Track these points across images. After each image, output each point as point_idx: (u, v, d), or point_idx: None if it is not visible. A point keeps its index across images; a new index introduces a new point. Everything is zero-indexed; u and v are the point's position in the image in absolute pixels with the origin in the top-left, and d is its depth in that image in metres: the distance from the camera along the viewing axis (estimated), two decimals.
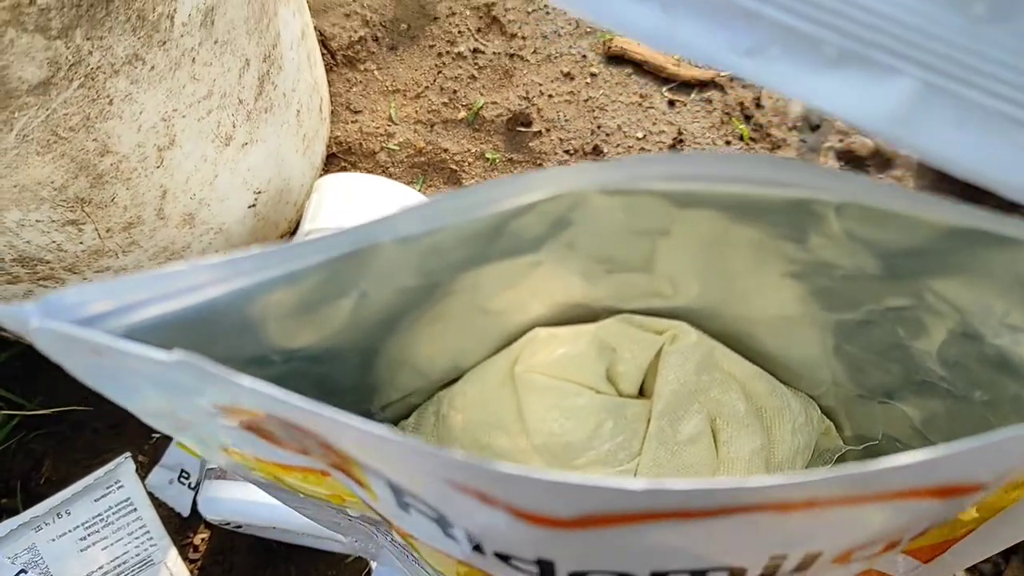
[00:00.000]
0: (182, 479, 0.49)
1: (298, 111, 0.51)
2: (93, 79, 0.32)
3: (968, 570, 0.48)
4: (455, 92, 0.66)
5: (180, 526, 0.48)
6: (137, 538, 0.44)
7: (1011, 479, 0.19)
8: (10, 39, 0.28)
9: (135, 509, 0.45)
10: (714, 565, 0.19)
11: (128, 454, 0.45)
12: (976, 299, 0.20)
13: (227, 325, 0.20)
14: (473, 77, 0.66)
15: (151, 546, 0.44)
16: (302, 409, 0.16)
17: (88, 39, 0.30)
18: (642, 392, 0.28)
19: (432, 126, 0.64)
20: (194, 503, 0.48)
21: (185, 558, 0.46)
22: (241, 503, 0.39)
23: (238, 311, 0.19)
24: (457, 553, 0.22)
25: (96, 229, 0.40)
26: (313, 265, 0.19)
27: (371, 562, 0.46)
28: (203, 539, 0.48)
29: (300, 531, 0.39)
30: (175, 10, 0.33)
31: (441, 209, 0.18)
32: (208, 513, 0.41)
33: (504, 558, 0.19)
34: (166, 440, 0.51)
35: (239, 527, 0.44)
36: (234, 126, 0.42)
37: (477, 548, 0.20)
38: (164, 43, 0.34)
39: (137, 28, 0.32)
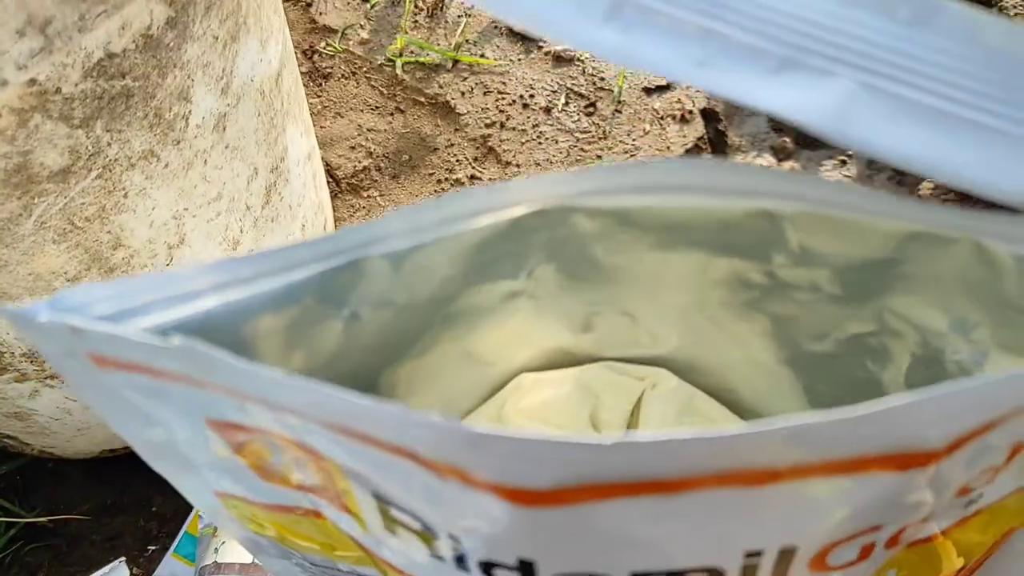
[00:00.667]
0: None
1: (303, 226, 0.53)
2: (110, 171, 0.34)
3: None
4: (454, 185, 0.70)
5: None
6: None
7: (969, 485, 0.20)
8: (35, 124, 0.30)
9: None
10: (691, 566, 0.19)
11: (124, 558, 0.45)
12: (931, 312, 0.21)
13: (223, 343, 0.21)
14: None
15: None
16: (291, 387, 0.17)
17: (108, 131, 0.33)
18: None
19: None
20: None
21: None
22: None
23: (233, 327, 0.21)
24: None
25: None
26: (306, 278, 0.20)
27: None
28: None
29: None
30: (190, 112, 0.36)
31: (424, 218, 0.19)
32: None
33: (487, 569, 0.20)
34: (161, 552, 0.51)
35: None
36: (241, 231, 0.44)
37: (462, 563, 0.20)
38: (179, 142, 0.36)
39: (154, 125, 0.35)
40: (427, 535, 0.20)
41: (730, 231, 0.21)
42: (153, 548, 0.51)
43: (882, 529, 0.19)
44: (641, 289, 0.24)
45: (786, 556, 0.19)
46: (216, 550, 0.41)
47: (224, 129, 0.38)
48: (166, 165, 0.36)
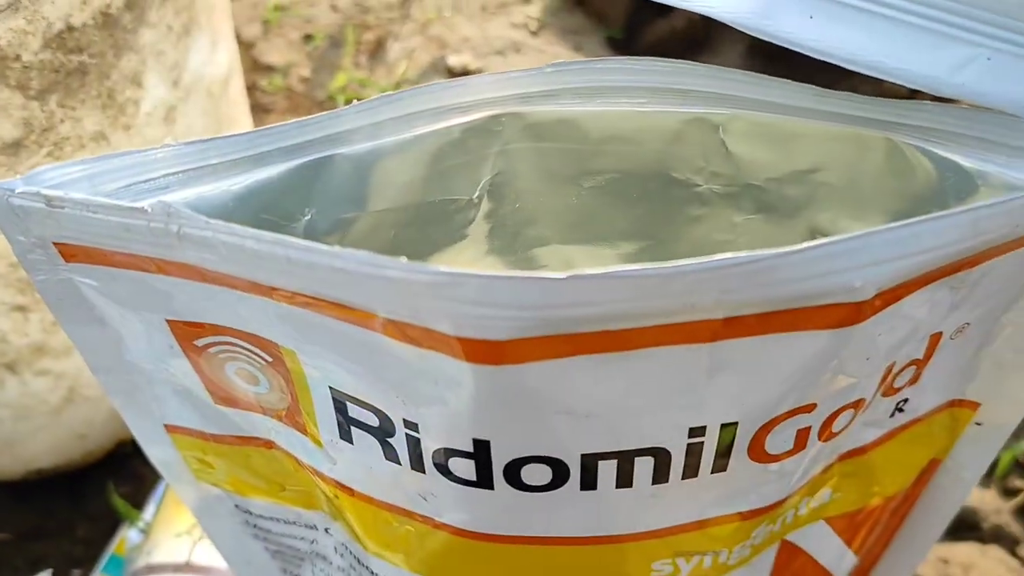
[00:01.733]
0: None
1: None
2: (61, 149, 0.35)
3: None
4: None
5: None
6: None
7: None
8: None
9: None
10: (638, 446, 0.20)
11: (51, 570, 0.43)
12: (855, 225, 0.23)
13: None
14: None
15: None
16: (262, 244, 0.17)
17: (62, 106, 0.34)
18: None
19: None
20: None
21: None
22: None
23: None
24: (399, 493, 0.22)
25: (43, 320, 0.41)
26: (270, 177, 0.21)
27: None
28: None
29: None
30: (141, 98, 0.37)
31: (385, 114, 0.21)
32: None
33: (444, 461, 0.20)
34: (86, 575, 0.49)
35: None
36: None
37: (417, 461, 0.21)
38: (128, 128, 0.37)
39: (107, 106, 0.35)
40: (384, 431, 0.21)
41: (666, 141, 0.22)
42: (77, 572, 0.49)
43: (815, 410, 0.20)
44: (578, 223, 0.25)
45: (727, 434, 0.20)
46: (149, 552, 0.40)
47: (173, 122, 0.39)
48: (114, 150, 0.37)
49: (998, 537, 0.53)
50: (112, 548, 0.48)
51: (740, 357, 0.18)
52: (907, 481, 0.26)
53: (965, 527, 0.54)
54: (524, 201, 0.24)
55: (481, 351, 0.17)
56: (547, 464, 0.20)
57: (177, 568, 0.38)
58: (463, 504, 0.21)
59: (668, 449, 0.20)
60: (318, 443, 0.23)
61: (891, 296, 0.18)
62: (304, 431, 0.23)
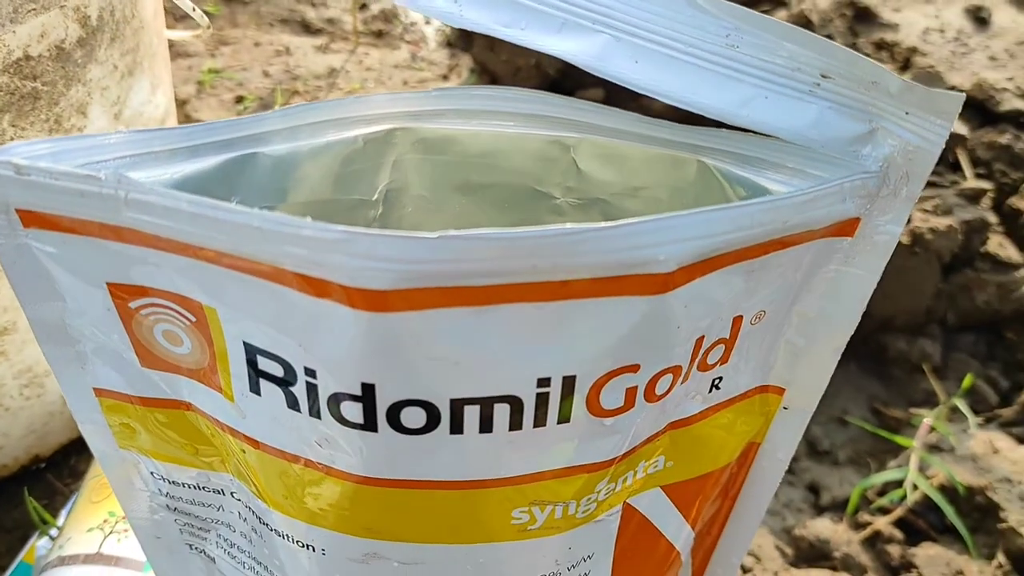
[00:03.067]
0: None
1: None
2: None
3: None
4: None
5: None
6: None
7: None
8: None
9: None
10: (496, 393, 0.24)
11: None
12: None
13: None
14: None
15: None
16: (193, 208, 0.22)
17: (13, 126, 0.37)
18: None
19: None
20: None
21: None
22: None
23: None
24: (297, 442, 0.26)
25: None
26: (205, 168, 0.25)
27: None
28: None
29: None
30: (85, 127, 0.41)
31: (302, 119, 0.25)
32: None
33: (336, 406, 0.24)
34: None
35: None
36: None
37: (314, 406, 0.25)
38: None
39: (53, 130, 0.39)
40: (287, 381, 0.25)
41: (529, 156, 0.28)
42: None
43: (639, 371, 0.25)
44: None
45: (568, 386, 0.25)
46: (61, 547, 0.42)
47: None
48: None
49: (848, 566, 0.58)
50: (22, 556, 0.49)
51: (576, 316, 0.23)
52: (731, 456, 0.31)
53: (819, 556, 0.59)
54: (415, 207, 0.29)
55: (368, 299, 0.22)
56: (422, 407, 0.24)
57: (88, 559, 0.40)
58: (353, 447, 0.25)
59: (521, 398, 0.24)
60: (230, 398, 0.27)
61: (691, 272, 0.23)
62: (219, 389, 0.27)
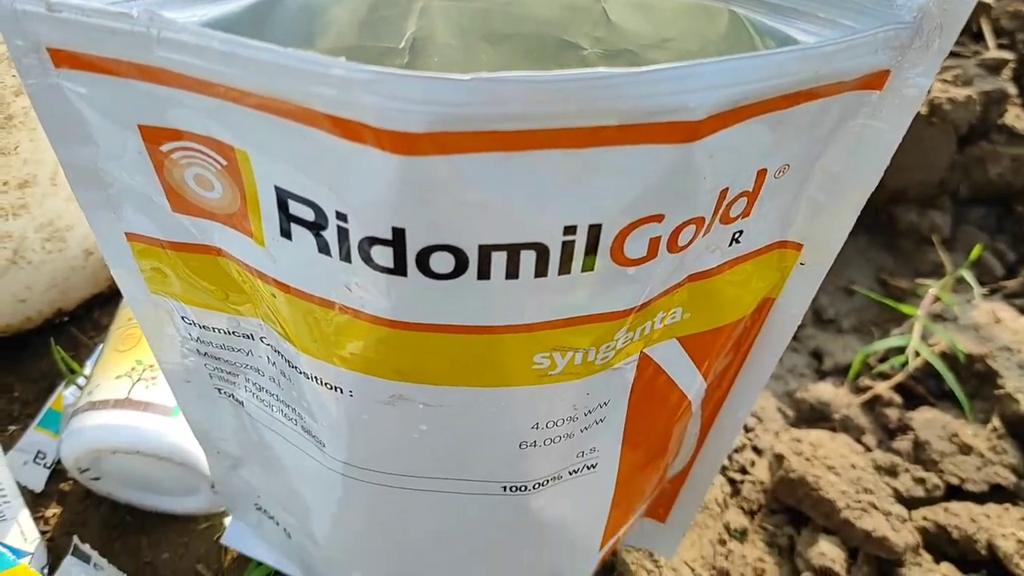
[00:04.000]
0: (37, 460, 0.50)
1: None
2: None
3: (767, 544, 0.54)
4: None
5: (32, 503, 0.49)
6: None
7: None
8: None
9: None
10: (523, 240, 0.25)
11: None
12: None
13: None
14: None
15: (3, 503, 0.45)
16: (225, 46, 0.22)
17: None
18: None
19: None
20: (48, 479, 0.50)
21: (36, 528, 0.47)
22: (106, 428, 0.41)
23: None
24: (327, 285, 0.27)
25: None
26: (233, 11, 0.25)
27: (225, 520, 0.48)
28: (54, 513, 0.48)
29: (163, 456, 0.42)
30: None
31: None
32: (73, 451, 0.42)
33: (367, 249, 0.25)
34: (22, 431, 0.52)
35: (97, 479, 0.45)
36: None
37: (345, 252, 0.25)
38: None
39: None
40: (318, 225, 0.25)
41: (559, 5, 0.27)
42: (14, 428, 0.52)
43: (663, 221, 0.26)
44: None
45: (593, 235, 0.25)
46: (90, 392, 0.43)
47: None
48: None
49: (847, 427, 0.60)
50: (50, 403, 0.51)
51: (604, 164, 0.23)
52: (746, 310, 0.32)
53: (820, 417, 0.61)
54: (441, 56, 0.29)
55: (398, 142, 0.22)
56: (451, 253, 0.25)
57: (117, 403, 0.42)
58: (382, 292, 0.26)
59: (547, 245, 0.25)
60: (261, 243, 0.27)
61: (719, 121, 0.23)
62: (250, 233, 0.27)
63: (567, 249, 0.25)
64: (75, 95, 0.25)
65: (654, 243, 0.26)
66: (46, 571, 0.45)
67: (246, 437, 0.38)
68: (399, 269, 0.25)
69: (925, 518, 0.55)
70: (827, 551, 0.52)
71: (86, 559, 0.44)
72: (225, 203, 0.27)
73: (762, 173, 0.27)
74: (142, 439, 0.41)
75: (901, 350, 0.65)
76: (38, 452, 0.50)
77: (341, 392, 0.30)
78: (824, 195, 0.29)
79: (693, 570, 0.50)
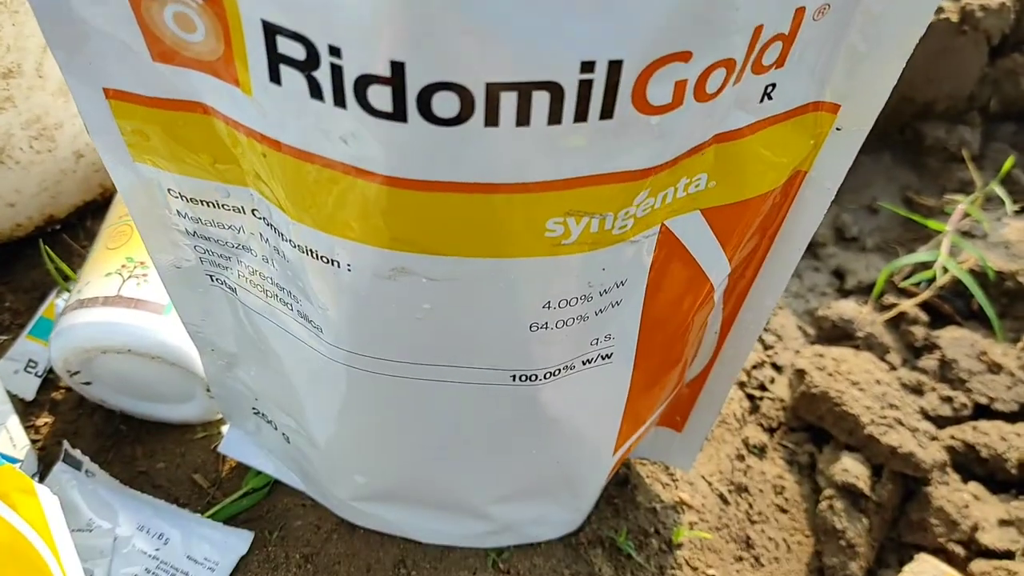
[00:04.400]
0: (28, 368, 0.48)
1: None
2: None
3: (787, 461, 0.52)
4: None
5: (23, 412, 0.47)
6: None
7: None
8: None
9: None
10: (535, 78, 0.22)
11: None
12: None
13: None
14: None
15: None
16: None
17: None
18: None
19: None
20: (40, 388, 0.48)
21: (26, 436, 0.45)
22: (96, 325, 0.39)
23: None
24: (322, 139, 0.24)
25: None
26: None
27: (223, 428, 0.46)
28: (46, 423, 0.47)
29: (155, 355, 0.40)
30: None
31: None
32: (63, 350, 0.41)
33: (363, 91, 0.23)
34: (13, 341, 0.50)
35: (88, 383, 0.43)
36: None
37: (339, 95, 0.23)
38: None
39: None
40: (309, 64, 0.23)
41: None
42: (4, 338, 0.50)
43: (691, 60, 0.23)
44: None
45: (614, 73, 0.23)
46: (80, 291, 0.41)
47: None
48: None
49: (870, 345, 0.58)
50: (41, 311, 0.49)
51: None
52: (776, 182, 0.30)
53: (842, 335, 0.59)
54: None
55: None
56: (455, 92, 0.22)
57: (107, 300, 0.40)
58: (380, 142, 0.24)
59: (562, 84, 0.22)
60: (248, 91, 0.25)
61: None
62: (236, 82, 0.25)
63: (584, 90, 0.23)
64: None
65: (680, 87, 0.24)
66: (36, 478, 0.43)
67: (241, 330, 0.36)
68: (398, 113, 0.23)
69: (953, 436, 0.53)
70: (850, 467, 0.50)
71: (77, 465, 0.42)
72: (208, 47, 0.25)
73: (800, 12, 0.24)
74: (132, 336, 0.39)
75: (928, 266, 0.63)
76: (29, 361, 0.48)
77: (338, 266, 0.28)
78: (865, 42, 0.26)
79: (710, 484, 0.48)
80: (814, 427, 0.54)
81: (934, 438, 0.52)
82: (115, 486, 0.43)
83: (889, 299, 0.62)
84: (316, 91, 0.23)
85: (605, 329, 0.32)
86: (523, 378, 0.32)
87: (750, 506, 0.48)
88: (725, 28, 0.23)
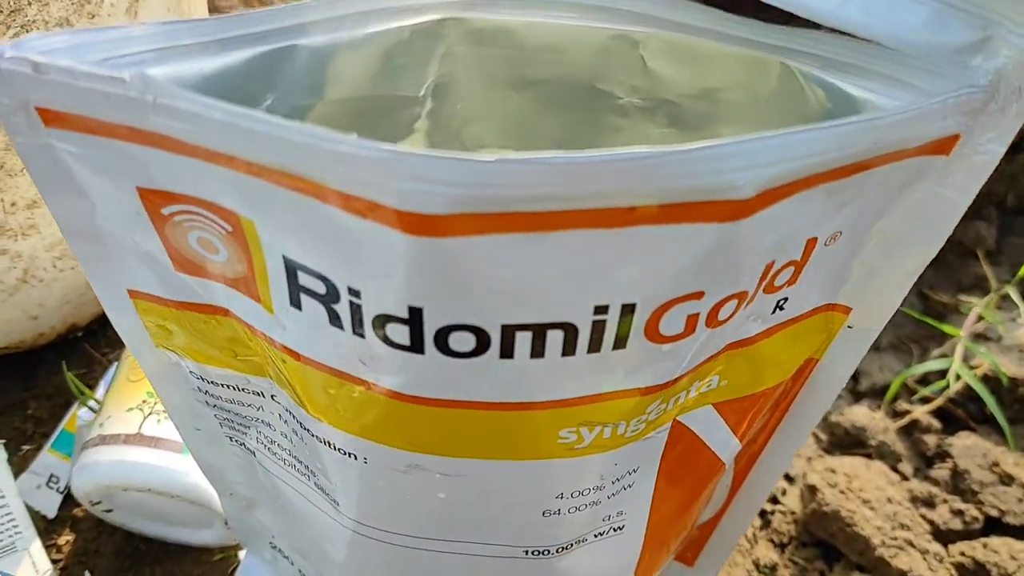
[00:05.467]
0: (50, 484, 0.49)
1: None
2: (27, 31, 0.36)
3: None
4: None
5: (45, 529, 0.48)
6: (2, 524, 0.44)
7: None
8: None
9: (3, 496, 0.44)
10: (550, 320, 0.23)
11: (2, 441, 0.45)
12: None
13: None
14: None
15: (16, 534, 0.44)
16: (225, 115, 0.20)
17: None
18: None
19: None
20: (61, 504, 0.48)
21: (48, 559, 0.45)
22: (118, 464, 0.40)
23: None
24: (340, 357, 0.25)
25: (1, 201, 0.42)
26: (239, 61, 0.23)
27: (239, 554, 0.47)
28: (67, 540, 0.47)
29: (175, 495, 0.40)
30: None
31: (343, 9, 0.23)
32: (84, 484, 0.41)
33: (382, 327, 0.23)
34: (36, 452, 0.51)
35: (109, 511, 0.44)
36: None
37: (358, 325, 0.23)
38: (93, 17, 0.38)
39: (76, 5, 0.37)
40: (329, 298, 0.23)
41: (593, 53, 0.25)
42: (28, 447, 0.51)
43: (703, 298, 0.23)
44: (515, 126, 0.28)
45: (627, 314, 0.23)
46: (101, 424, 0.42)
47: (135, 15, 0.40)
48: None
49: (883, 454, 0.58)
50: (63, 424, 0.50)
51: (642, 244, 0.21)
52: (787, 374, 0.30)
53: (854, 443, 0.59)
54: (465, 103, 0.27)
55: (419, 224, 0.20)
56: (471, 332, 0.23)
57: (128, 439, 0.40)
58: (397, 368, 0.24)
59: (576, 325, 0.23)
60: (270, 310, 0.25)
61: (770, 197, 0.21)
62: (258, 299, 0.25)
63: (597, 329, 0.23)
64: (68, 155, 0.23)
65: (692, 320, 0.24)
66: None
67: (259, 484, 0.37)
68: (416, 347, 0.23)
69: (963, 553, 0.53)
70: None
71: None
72: (231, 267, 0.25)
73: (812, 242, 0.25)
74: (154, 477, 0.40)
75: (942, 373, 0.63)
76: (51, 476, 0.49)
77: (355, 458, 0.29)
78: (880, 257, 0.26)
79: None
80: (825, 543, 0.54)
81: (944, 558, 0.52)
82: None
83: (902, 404, 0.62)
84: (335, 320, 0.24)
85: (618, 507, 0.32)
86: (536, 553, 0.33)
87: None
88: (737, 269, 0.23)
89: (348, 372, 0.25)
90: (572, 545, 0.33)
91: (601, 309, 0.23)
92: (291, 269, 0.23)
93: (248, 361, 0.29)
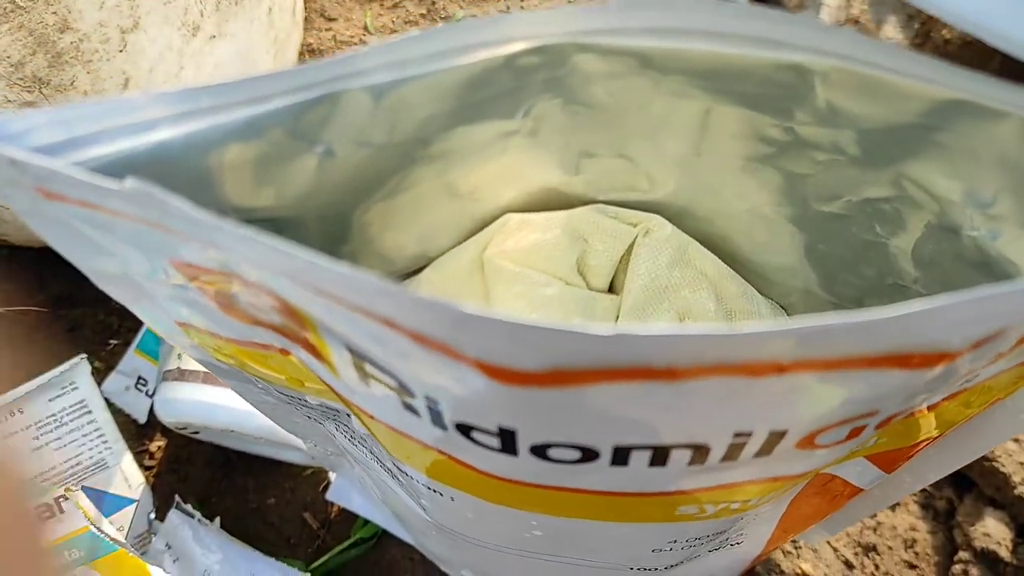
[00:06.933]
0: (139, 386, 0.48)
1: (270, 8, 0.49)
2: None
3: (922, 507, 0.48)
4: (434, 3, 0.65)
5: (136, 433, 0.48)
6: (91, 440, 0.44)
7: (969, 377, 0.19)
8: None
9: (90, 411, 0.44)
10: (678, 441, 0.18)
11: (84, 355, 0.44)
12: (956, 185, 0.20)
13: (182, 175, 0.19)
14: None
15: (105, 449, 0.44)
16: (257, 245, 0.15)
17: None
18: (612, 288, 0.27)
19: None
20: (151, 409, 0.48)
21: (140, 465, 0.45)
22: (197, 404, 0.38)
23: (194, 159, 0.18)
24: (418, 433, 0.21)
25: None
26: (276, 109, 0.18)
27: (330, 474, 0.46)
28: (159, 447, 0.47)
29: (258, 436, 0.39)
30: None
31: (410, 52, 0.17)
32: (165, 416, 0.40)
33: (465, 431, 0.19)
34: (123, 346, 0.50)
35: (196, 433, 0.43)
36: (202, 15, 0.40)
37: (438, 420, 0.19)
38: None
39: None
40: (403, 392, 0.19)
41: (753, 82, 0.19)
42: (115, 342, 0.50)
43: (877, 415, 0.18)
44: (644, 133, 0.22)
45: (775, 438, 0.18)
46: (180, 356, 0.40)
47: None
48: None
49: None
50: (147, 325, 0.48)
51: (810, 386, 0.16)
52: (955, 426, 0.25)
53: None
54: (574, 111, 0.21)
55: (509, 375, 0.16)
56: (577, 449, 0.19)
57: (207, 377, 0.38)
58: (489, 461, 0.20)
59: (709, 445, 0.18)
60: (335, 373, 0.21)
61: (987, 340, 0.16)
62: (321, 358, 0.21)
63: (735, 447, 0.19)
64: (79, 222, 0.19)
65: (856, 431, 0.19)
66: (152, 515, 0.44)
67: (343, 450, 0.34)
68: (508, 451, 0.19)
69: None
70: (993, 531, 0.46)
71: (190, 515, 0.42)
72: (287, 328, 0.21)
73: (1021, 340, 0.19)
74: (233, 420, 0.38)
75: None
76: (139, 378, 0.48)
77: (442, 496, 0.25)
78: None
79: (836, 550, 0.45)
80: (957, 471, 0.49)
81: None
82: (226, 539, 0.43)
83: None
84: (411, 409, 0.20)
85: (739, 532, 0.28)
86: (644, 570, 0.30)
87: (876, 567, 0.45)
88: (915, 395, 0.18)
89: (431, 445, 0.21)
90: (683, 562, 0.30)
91: (743, 434, 0.18)
92: (359, 357, 0.19)
93: (317, 388, 0.25)
